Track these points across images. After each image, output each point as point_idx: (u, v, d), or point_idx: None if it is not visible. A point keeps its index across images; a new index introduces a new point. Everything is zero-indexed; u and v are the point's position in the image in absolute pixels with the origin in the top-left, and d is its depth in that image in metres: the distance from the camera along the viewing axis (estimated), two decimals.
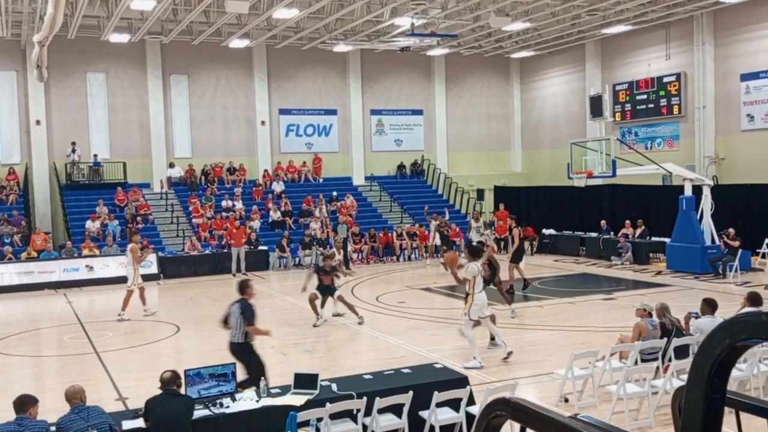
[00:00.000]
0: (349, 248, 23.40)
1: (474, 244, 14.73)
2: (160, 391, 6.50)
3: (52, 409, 7.54)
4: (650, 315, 9.34)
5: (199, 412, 6.68)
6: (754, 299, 9.14)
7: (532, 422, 1.46)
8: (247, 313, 8.68)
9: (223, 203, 26.18)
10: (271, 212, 26.01)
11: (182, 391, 6.74)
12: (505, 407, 1.55)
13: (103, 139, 26.74)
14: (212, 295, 18.46)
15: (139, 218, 24.73)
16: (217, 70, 28.34)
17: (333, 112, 30.39)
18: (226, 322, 8.91)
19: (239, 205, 26.21)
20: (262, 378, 7.64)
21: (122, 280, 20.88)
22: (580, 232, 25.12)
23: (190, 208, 25.84)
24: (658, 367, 8.61)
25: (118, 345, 13.01)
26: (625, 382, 8.09)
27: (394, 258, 24.39)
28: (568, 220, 26.22)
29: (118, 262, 21.42)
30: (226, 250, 22.76)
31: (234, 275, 21.83)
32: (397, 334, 13.03)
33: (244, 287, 9.05)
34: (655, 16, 24.99)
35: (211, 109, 28.39)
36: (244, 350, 8.66)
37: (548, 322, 13.74)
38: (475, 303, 10.71)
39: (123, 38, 24.90)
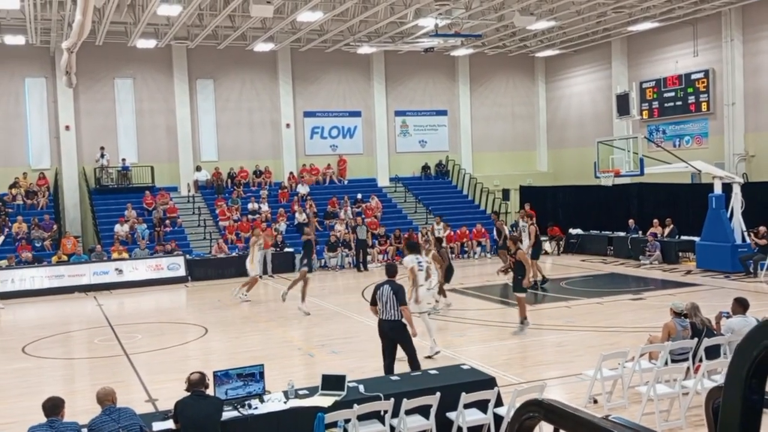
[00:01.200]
0: (373, 249, 23.43)
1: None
2: (188, 393, 6.56)
3: (83, 411, 7.65)
4: (680, 315, 9.22)
5: (228, 414, 6.72)
6: None
7: (565, 423, 1.45)
8: (400, 294, 9.27)
9: (249, 206, 26.35)
10: (297, 214, 26.12)
11: (210, 392, 6.79)
12: (538, 409, 1.53)
13: (131, 143, 27.08)
14: (239, 298, 18.55)
15: (167, 221, 24.99)
16: (242, 74, 28.55)
17: (357, 114, 30.45)
18: (374, 303, 9.40)
19: (265, 207, 26.36)
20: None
21: (149, 283, 21.20)
22: (607, 232, 24.88)
23: (217, 211, 26.06)
24: (688, 368, 8.49)
25: (148, 347, 13.15)
26: (655, 382, 7.99)
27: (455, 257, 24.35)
28: (595, 220, 25.98)
29: (146, 265, 21.71)
30: None
31: (260, 277, 21.95)
32: (423, 336, 12.99)
33: (393, 270, 9.76)
34: (682, 13, 24.67)
35: (236, 113, 28.61)
36: (399, 327, 9.18)
37: (576, 323, 13.61)
38: (421, 296, 11.24)
39: (150, 44, 25.19)
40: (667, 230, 22.32)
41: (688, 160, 20.36)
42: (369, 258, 23.80)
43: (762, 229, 18.31)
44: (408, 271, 11.37)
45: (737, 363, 1.22)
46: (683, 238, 21.87)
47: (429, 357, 11.06)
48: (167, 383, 10.39)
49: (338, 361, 11.29)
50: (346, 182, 29.67)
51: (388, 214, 27.50)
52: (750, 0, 23.24)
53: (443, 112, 31.88)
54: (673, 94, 26.93)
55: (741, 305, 8.99)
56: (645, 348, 9.00)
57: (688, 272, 19.45)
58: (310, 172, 29.21)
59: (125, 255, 22.23)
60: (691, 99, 26.25)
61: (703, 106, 25.84)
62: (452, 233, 25.25)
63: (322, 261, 23.64)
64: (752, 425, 1.21)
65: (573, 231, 25.58)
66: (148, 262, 21.90)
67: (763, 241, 18.12)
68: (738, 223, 19.32)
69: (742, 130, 24.71)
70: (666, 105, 27.21)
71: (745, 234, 19.26)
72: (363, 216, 26.56)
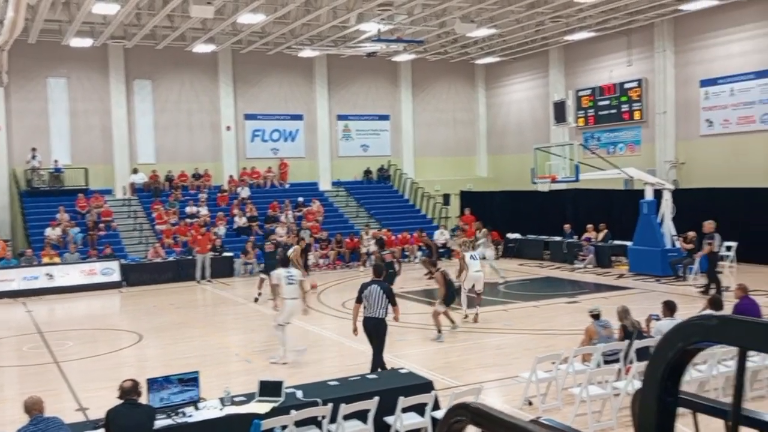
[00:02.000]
0: (315, 254, 23.30)
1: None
2: (120, 401, 6.38)
3: (10, 420, 7.37)
4: (597, 317, 9.51)
5: (161, 422, 6.56)
6: (715, 302, 9.33)
7: (492, 427, 1.45)
8: (391, 294, 9.78)
9: (188, 209, 25.89)
10: (236, 218, 25.79)
11: (144, 399, 6.62)
12: (466, 412, 1.54)
13: (64, 144, 26.27)
14: (176, 303, 18.23)
15: (101, 225, 24.32)
16: (181, 75, 28.06)
17: (299, 117, 30.29)
18: (360, 300, 9.76)
19: (204, 211, 25.94)
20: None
21: (82, 288, 20.58)
22: (544, 236, 25.37)
23: (154, 215, 25.50)
24: (620, 369, 8.71)
25: (79, 354, 12.76)
26: (587, 384, 8.17)
27: (361, 263, 24.33)
28: (533, 225, 26.45)
29: (79, 270, 21.09)
30: (190, 257, 22.50)
31: (198, 282, 21.60)
32: (363, 340, 12.96)
33: (380, 270, 10.22)
34: (617, 23, 25.40)
35: (175, 115, 28.09)
36: (382, 325, 9.70)
37: (514, 326, 13.82)
38: (285, 308, 11.28)
39: (85, 43, 24.52)
40: (601, 235, 22.89)
41: (622, 166, 20.94)
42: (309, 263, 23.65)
43: (691, 234, 18.91)
44: (277, 284, 11.42)
45: (653, 365, 1.25)
46: (616, 242, 22.46)
47: (273, 362, 11.29)
48: (99, 391, 10.10)
49: (277, 368, 11.16)
50: (287, 186, 29.46)
51: (330, 219, 27.42)
52: (681, 12, 24.10)
53: (385, 117, 32.01)
54: (607, 102, 27.68)
55: (669, 308, 9.27)
56: (578, 350, 9.19)
57: (621, 276, 19.98)
58: (251, 176, 28.90)
59: (57, 259, 21.52)
60: (625, 107, 27.04)
61: (636, 115, 26.65)
62: (393, 237, 25.36)
63: (263, 265, 23.32)
64: (667, 426, 1.24)
65: (511, 235, 25.99)
66: (80, 266, 21.27)
67: (691, 246, 18.75)
68: (668, 229, 19.95)
69: (673, 138, 25.57)
70: (601, 113, 27.96)
71: (675, 239, 19.90)
72: (304, 220, 26.44)
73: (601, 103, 27.95)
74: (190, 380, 7.03)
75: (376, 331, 9.79)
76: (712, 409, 1.59)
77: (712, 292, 15.10)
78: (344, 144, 31.26)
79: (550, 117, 23.47)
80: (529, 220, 26.67)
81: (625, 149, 27.32)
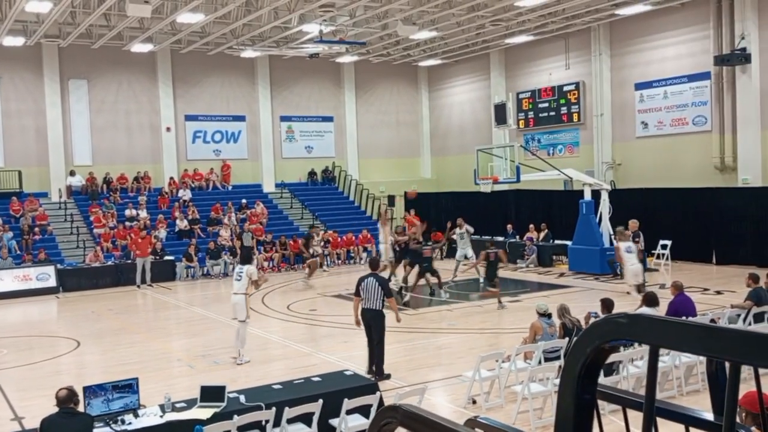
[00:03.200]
0: (259, 256, 23.10)
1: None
2: (56, 410, 6.22)
3: None
4: (544, 315, 9.68)
5: (100, 430, 6.43)
6: (651, 299, 9.60)
7: (422, 429, 1.49)
8: (386, 286, 10.40)
9: (127, 212, 25.34)
10: (178, 221, 25.37)
11: (81, 407, 6.47)
12: (396, 414, 1.57)
13: None
14: (115, 308, 17.82)
15: (36, 229, 23.60)
16: (119, 75, 27.44)
17: (241, 118, 29.98)
18: (359, 294, 10.28)
19: (143, 214, 25.43)
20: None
21: (16, 294, 19.95)
22: (487, 236, 25.69)
23: (91, 218, 24.87)
24: (560, 366, 8.91)
25: (14, 362, 12.36)
26: (529, 381, 8.34)
27: (306, 266, 24.19)
28: (476, 225, 26.68)
29: (13, 276, 20.44)
30: (129, 261, 22.04)
31: (138, 287, 21.19)
32: (309, 343, 12.97)
33: (376, 264, 10.93)
34: (555, 27, 25.95)
35: (113, 115, 27.46)
36: (380, 316, 10.21)
37: (458, 326, 13.98)
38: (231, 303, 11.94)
39: (17, 41, 23.76)
40: (542, 234, 23.35)
41: (561, 167, 21.39)
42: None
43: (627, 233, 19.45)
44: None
45: (570, 363, 1.30)
46: (557, 242, 22.94)
47: (238, 362, 11.58)
48: (35, 400, 9.82)
49: (220, 372, 11.05)
50: (230, 188, 29.13)
51: (274, 221, 27.21)
52: (617, 17, 24.77)
53: (329, 119, 31.96)
54: (547, 104, 28.26)
55: (607, 306, 9.52)
56: (520, 348, 9.37)
57: (562, 274, 20.42)
58: (193, 178, 28.48)
59: None
60: (564, 110, 27.64)
61: (575, 117, 27.28)
62: (338, 239, 25.33)
63: (204, 269, 23.07)
64: (585, 423, 1.29)
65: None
66: (14, 272, 20.60)
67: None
68: (606, 228, 20.47)
69: (609, 139, 26.25)
70: (540, 115, 28.52)
71: (613, 238, 20.43)
72: (248, 222, 26.20)
73: (540, 106, 28.51)
74: (126, 387, 6.89)
75: (374, 321, 10.25)
76: (631, 402, 1.67)
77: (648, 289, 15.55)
78: (288, 145, 31.08)
79: (492, 119, 23.81)
80: (473, 221, 26.91)
81: (564, 150, 27.93)
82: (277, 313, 16.25)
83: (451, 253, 21.46)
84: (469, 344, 12.29)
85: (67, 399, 6.21)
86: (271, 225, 26.61)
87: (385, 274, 15.46)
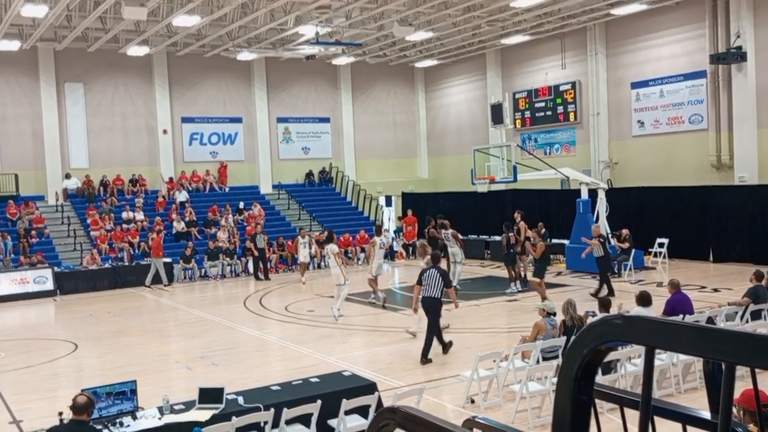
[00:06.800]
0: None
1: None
2: (62, 414, 6.15)
3: None
4: (549, 315, 9.66)
5: None
6: (644, 298, 9.60)
7: (420, 430, 1.49)
8: (446, 277, 11.52)
9: (124, 215, 25.33)
10: (175, 223, 25.35)
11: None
12: (393, 416, 1.57)
13: None
14: (112, 311, 17.81)
15: (33, 232, 23.56)
16: (115, 78, 27.42)
17: (238, 120, 29.98)
18: (420, 282, 11.40)
19: (140, 216, 25.43)
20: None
21: (14, 298, 19.94)
22: (484, 236, 25.76)
23: (88, 221, 24.85)
24: (558, 365, 8.91)
25: (12, 366, 12.34)
26: (527, 381, 8.35)
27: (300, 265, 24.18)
28: (474, 225, 26.84)
29: (10, 279, 20.42)
30: (126, 264, 22.00)
31: (149, 286, 21.23)
32: (307, 343, 12.97)
33: (438, 258, 12.03)
34: (551, 27, 25.98)
35: (109, 118, 27.43)
36: (437, 303, 11.29)
37: (455, 325, 13.97)
38: None
39: (13, 45, 23.72)
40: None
41: (558, 167, 21.43)
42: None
43: (624, 231, 19.49)
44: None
45: (567, 364, 1.31)
46: (554, 241, 22.95)
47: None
48: (34, 403, 9.82)
49: (218, 373, 11.05)
50: (227, 189, 29.13)
51: (272, 222, 27.21)
52: (612, 17, 24.81)
53: (326, 120, 31.96)
54: (543, 104, 28.29)
55: (603, 305, 9.54)
56: (518, 347, 9.37)
57: (559, 273, 20.44)
58: (191, 179, 28.47)
59: None
60: (560, 109, 27.67)
61: (571, 116, 27.31)
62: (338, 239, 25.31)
63: (203, 270, 23.06)
64: (582, 424, 1.30)
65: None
66: (11, 275, 20.57)
67: (626, 244, 19.30)
68: (603, 227, 20.49)
69: (606, 138, 26.28)
70: (537, 114, 28.55)
71: (610, 237, 20.46)
72: (246, 224, 26.18)
73: (537, 105, 28.54)
74: (126, 391, 6.88)
75: (432, 307, 11.27)
76: (629, 401, 1.68)
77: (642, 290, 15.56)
78: (285, 147, 31.08)
79: (489, 119, 23.83)
80: (470, 221, 27.02)
81: (561, 150, 27.97)
82: (275, 314, 16.26)
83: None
84: (465, 344, 12.29)
85: (84, 408, 5.96)
86: (269, 226, 26.57)
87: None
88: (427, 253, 13.25)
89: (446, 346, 11.59)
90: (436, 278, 11.31)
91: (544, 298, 14.37)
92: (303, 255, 21.68)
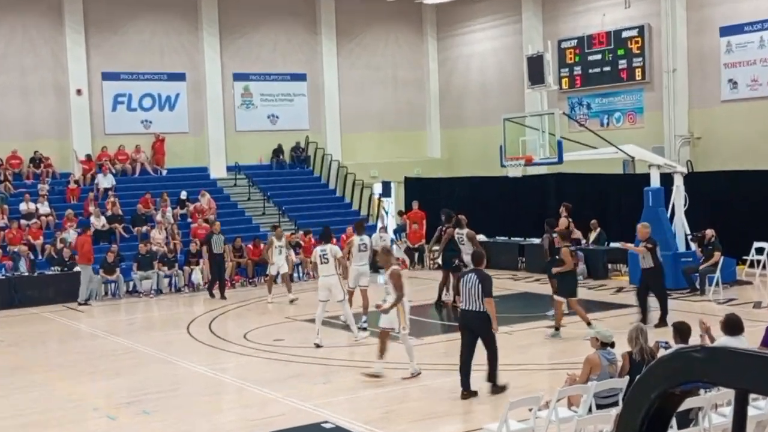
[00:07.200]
0: (203, 267, 23.05)
1: None
2: None
3: None
4: (606, 346, 9.65)
5: None
6: (733, 324, 9.53)
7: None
8: (486, 284, 11.60)
9: (22, 207, 25.31)
10: (93, 218, 25.31)
11: None
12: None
13: None
14: (7, 339, 17.78)
15: None
16: (10, 20, 27.36)
17: (180, 77, 29.95)
18: (457, 291, 11.75)
19: (45, 208, 25.40)
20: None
21: None
22: (518, 238, 25.72)
23: None
24: (617, 415, 8.91)
25: None
26: None
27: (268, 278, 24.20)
28: (503, 223, 26.80)
29: None
30: (27, 275, 21.99)
31: (80, 304, 21.33)
32: (274, 384, 12.96)
33: (480, 258, 12.41)
34: None
35: (2, 75, 27.37)
36: (481, 319, 11.54)
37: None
38: None
39: None
40: (593, 235, 23.35)
41: (619, 143, 21.39)
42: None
43: (709, 233, 19.43)
44: None
45: (630, 410, 1.30)
46: (613, 245, 22.94)
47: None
48: None
49: (152, 425, 11.06)
50: (164, 172, 29.11)
51: (226, 217, 27.16)
52: None
53: (301, 77, 31.94)
54: (599, 56, 28.26)
55: (680, 333, 9.51)
56: (563, 391, 9.38)
57: (620, 290, 20.44)
58: (116, 158, 28.43)
59: None
60: (623, 64, 27.65)
61: (638, 74, 27.28)
62: (312, 240, 25.30)
63: (131, 283, 23.03)
64: None
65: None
66: None
67: (716, 256, 19.05)
68: (681, 226, 20.50)
69: (685, 104, 26.26)
70: (591, 71, 28.52)
71: (690, 239, 20.47)
72: (191, 220, 26.15)
73: (590, 58, 28.51)
74: None
75: (473, 324, 11.66)
76: None
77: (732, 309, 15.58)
78: (244, 114, 31.05)
79: (524, 77, 23.80)
80: (498, 217, 26.99)
81: (624, 120, 27.97)
82: (231, 345, 16.24)
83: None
84: (489, 385, 12.31)
85: None
86: (222, 223, 26.51)
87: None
88: (391, 262, 13.19)
89: (498, 389, 11.71)
90: (473, 285, 11.57)
91: (588, 323, 14.46)
92: (278, 264, 21.43)
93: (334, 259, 15.73)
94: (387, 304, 12.80)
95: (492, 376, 11.64)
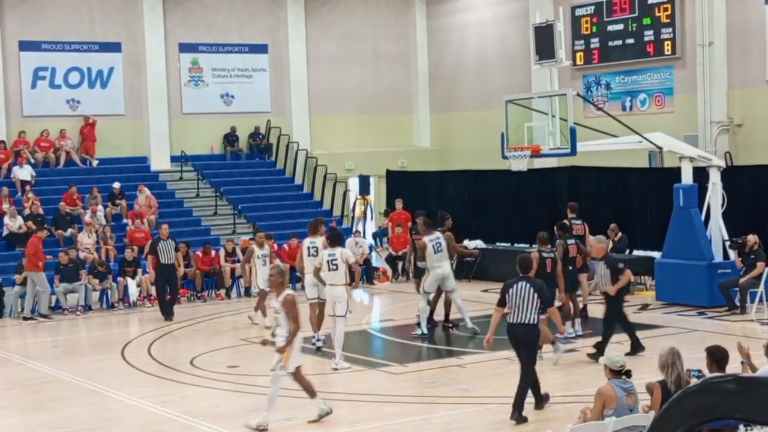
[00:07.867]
0: (144, 277, 22.99)
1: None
2: None
3: None
4: (620, 374, 9.67)
5: None
6: None
7: None
8: (544, 294, 12.30)
9: None
10: (7, 218, 25.21)
11: None
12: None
13: None
14: None
15: None
16: None
17: (115, 47, 29.88)
18: (503, 304, 12.19)
19: None
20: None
21: None
22: (523, 244, 25.74)
23: None
24: None
25: None
26: None
27: (221, 292, 24.15)
28: (505, 226, 26.82)
29: None
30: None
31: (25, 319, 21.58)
32: (228, 420, 12.94)
33: (527, 265, 12.50)
34: None
35: None
36: (534, 333, 12.23)
37: (473, 391, 14.00)
38: None
39: None
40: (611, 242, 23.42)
41: (644, 131, 21.44)
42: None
43: (751, 239, 19.47)
44: None
45: None
46: (636, 253, 23.01)
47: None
48: None
49: None
50: (95, 163, 29.07)
51: (170, 217, 27.08)
52: None
53: (261, 48, 31.94)
54: (621, 27, 28.33)
55: (716, 360, 9.51)
56: (575, 428, 9.41)
57: (644, 306, 20.46)
58: (35, 145, 28.32)
59: None
60: (649, 35, 27.72)
61: (667, 47, 27.37)
62: (276, 247, 25.26)
63: (53, 298, 22.92)
64: None
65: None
66: None
67: (762, 266, 19.08)
68: (718, 230, 20.55)
69: (723, 84, 26.37)
70: (611, 44, 28.60)
71: (728, 246, 20.52)
72: (126, 220, 26.09)
73: (610, 29, 28.59)
74: None
75: (524, 338, 12.12)
76: None
77: None
78: (192, 93, 31.03)
79: (531, 51, 23.85)
80: (499, 218, 27.03)
81: (650, 103, 28.07)
82: (176, 373, 16.19)
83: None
84: (490, 420, 12.34)
85: None
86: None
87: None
88: (284, 284, 12.22)
89: (542, 399, 12.45)
90: (527, 294, 12.01)
91: (552, 342, 15.15)
92: (264, 277, 20.24)
93: (345, 264, 15.54)
94: (280, 341, 11.98)
95: (518, 402, 11.97)
